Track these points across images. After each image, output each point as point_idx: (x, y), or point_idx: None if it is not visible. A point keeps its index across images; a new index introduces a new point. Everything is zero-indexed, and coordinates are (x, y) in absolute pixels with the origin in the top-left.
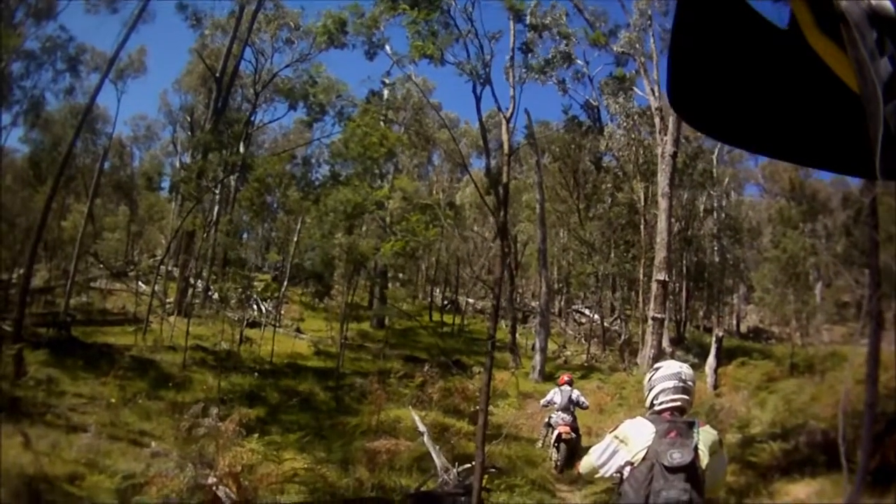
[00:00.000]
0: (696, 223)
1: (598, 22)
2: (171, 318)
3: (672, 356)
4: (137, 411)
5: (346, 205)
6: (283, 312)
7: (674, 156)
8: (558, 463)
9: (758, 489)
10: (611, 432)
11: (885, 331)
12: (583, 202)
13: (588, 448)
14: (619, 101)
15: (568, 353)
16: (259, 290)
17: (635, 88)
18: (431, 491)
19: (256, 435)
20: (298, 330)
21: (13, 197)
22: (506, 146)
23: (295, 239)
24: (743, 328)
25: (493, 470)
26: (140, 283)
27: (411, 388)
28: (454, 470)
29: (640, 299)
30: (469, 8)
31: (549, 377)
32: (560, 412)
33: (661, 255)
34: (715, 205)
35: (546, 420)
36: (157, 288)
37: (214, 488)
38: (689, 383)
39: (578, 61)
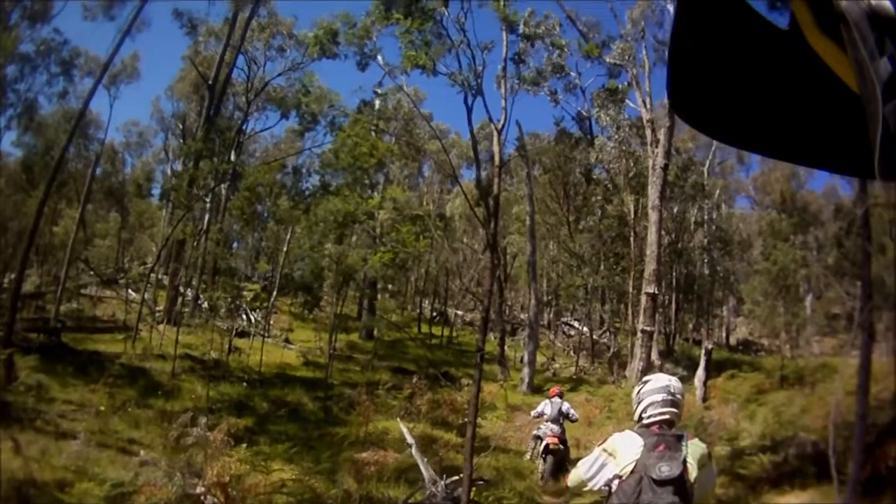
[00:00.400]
0: (686, 235)
1: (591, 33)
2: (161, 327)
3: (661, 369)
4: (126, 419)
5: (336, 215)
6: (272, 322)
7: (665, 168)
8: (544, 474)
9: (747, 501)
10: (599, 445)
11: (876, 342)
12: (573, 214)
13: (576, 460)
14: (611, 112)
15: (557, 365)
16: (248, 299)
17: (627, 100)
18: (419, 503)
19: (245, 445)
20: (287, 340)
21: (5, 201)
22: (497, 158)
23: (285, 249)
24: (732, 340)
25: (481, 482)
26: (130, 290)
27: (399, 400)
28: (442, 482)
29: (630, 312)
30: (462, 18)
31: (537, 390)
32: (549, 423)
33: (650, 267)
34: (705, 217)
35: (535, 432)
36: (146, 296)
37: (203, 498)
38: (678, 396)
39: (571, 72)
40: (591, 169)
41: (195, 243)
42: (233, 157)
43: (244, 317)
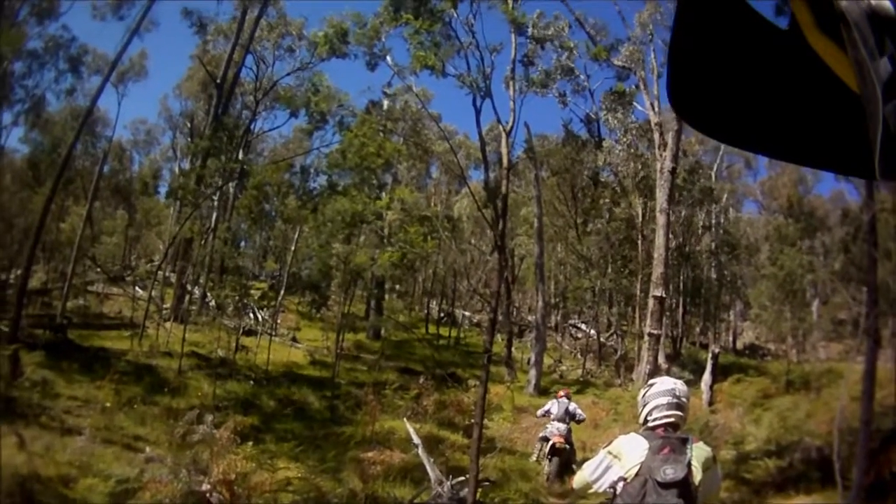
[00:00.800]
0: (693, 239)
1: (600, 35)
2: (168, 324)
3: (668, 372)
4: (132, 416)
5: (343, 215)
6: (279, 321)
7: (672, 171)
8: (550, 475)
9: None
10: (604, 447)
11: (881, 348)
12: (581, 217)
13: (582, 462)
14: (619, 115)
15: (564, 367)
16: (256, 298)
17: (635, 103)
18: (425, 503)
19: (251, 443)
20: (294, 339)
21: (11, 197)
22: (505, 159)
23: (293, 248)
24: (739, 345)
25: (487, 483)
26: (137, 288)
27: (406, 400)
28: (448, 482)
29: (637, 315)
30: (471, 19)
31: (544, 391)
32: (556, 422)
33: (658, 270)
34: (713, 221)
35: (541, 434)
36: (154, 293)
37: (208, 495)
38: (683, 399)
39: (580, 74)
40: (599, 171)
41: (203, 241)
42: (241, 156)
43: (251, 315)
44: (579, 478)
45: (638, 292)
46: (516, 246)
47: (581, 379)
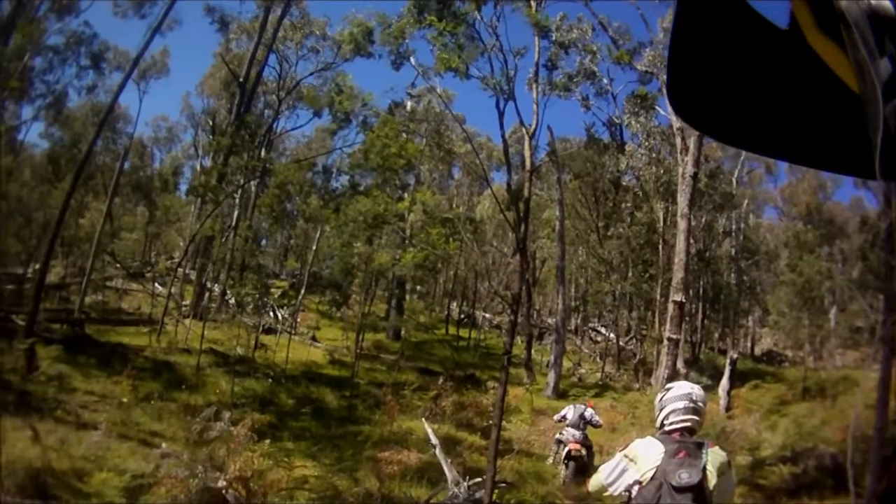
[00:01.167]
0: (714, 244)
1: (622, 39)
2: (187, 321)
3: (686, 377)
4: (149, 411)
5: (365, 215)
6: (299, 320)
7: (694, 176)
8: (566, 479)
9: None
10: (621, 451)
11: None
12: (602, 220)
13: (599, 466)
14: (641, 119)
15: (583, 370)
16: (276, 296)
17: (657, 107)
18: (441, 503)
19: (268, 440)
20: (314, 338)
21: (31, 192)
22: (528, 162)
23: (314, 247)
24: (757, 351)
25: (504, 484)
26: (156, 284)
27: (425, 401)
28: (465, 483)
29: (657, 319)
30: (495, 22)
31: (562, 394)
32: (570, 428)
33: (678, 275)
34: (733, 226)
35: (557, 437)
36: (173, 290)
37: (224, 492)
38: (700, 404)
39: (602, 78)
40: (621, 175)
41: (223, 239)
42: (262, 155)
43: (271, 314)
44: (595, 481)
45: (658, 297)
46: (538, 248)
47: (600, 382)
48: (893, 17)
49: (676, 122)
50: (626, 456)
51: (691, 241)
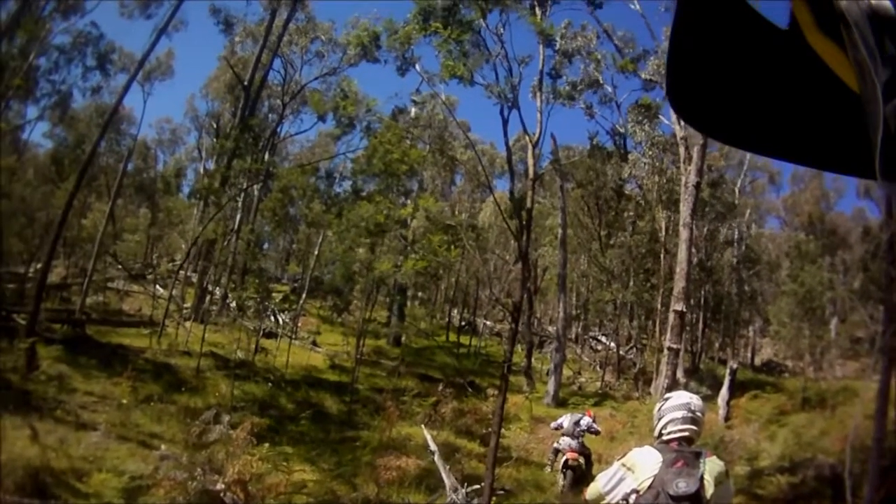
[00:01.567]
0: (715, 254)
1: (627, 48)
2: (188, 324)
3: (686, 387)
4: (149, 413)
5: (368, 221)
6: (299, 324)
7: (697, 186)
8: (564, 488)
9: None
10: (618, 459)
11: None
12: (604, 229)
13: (597, 474)
14: (645, 128)
15: (583, 379)
16: (277, 300)
17: (661, 116)
18: None
19: (267, 444)
20: (314, 343)
21: (34, 192)
22: (531, 170)
23: (316, 252)
24: (757, 361)
25: (502, 492)
26: (158, 286)
27: (424, 407)
28: (463, 490)
29: (657, 329)
30: (500, 29)
31: (562, 403)
32: (566, 437)
33: (679, 285)
34: (735, 236)
35: (554, 445)
36: (174, 292)
37: (222, 495)
38: (698, 414)
39: (606, 86)
40: (624, 184)
41: (226, 242)
42: (266, 158)
43: (272, 318)
44: (592, 489)
45: (659, 306)
46: (539, 256)
47: (600, 391)
48: (893, 17)
49: (680, 132)
50: (623, 465)
51: (693, 250)
